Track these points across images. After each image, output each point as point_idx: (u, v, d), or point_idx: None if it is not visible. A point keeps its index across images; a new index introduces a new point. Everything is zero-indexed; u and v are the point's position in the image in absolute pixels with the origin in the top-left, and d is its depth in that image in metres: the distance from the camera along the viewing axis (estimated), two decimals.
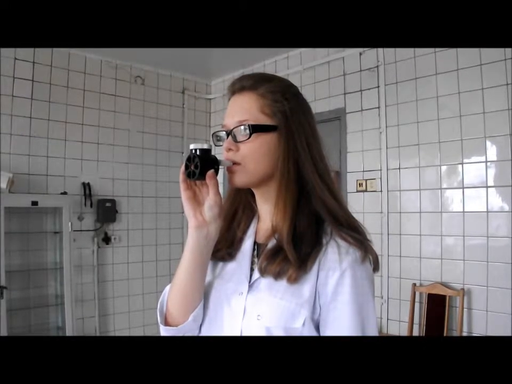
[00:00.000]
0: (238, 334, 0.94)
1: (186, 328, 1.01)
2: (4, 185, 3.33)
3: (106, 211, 4.17)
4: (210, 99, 5.11)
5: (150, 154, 4.58)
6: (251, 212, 1.09)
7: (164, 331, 1.03)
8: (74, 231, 3.76)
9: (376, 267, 0.96)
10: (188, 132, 4.86)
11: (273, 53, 4.25)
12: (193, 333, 1.03)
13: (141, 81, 4.53)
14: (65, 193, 3.86)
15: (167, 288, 1.06)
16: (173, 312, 1.02)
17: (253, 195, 1.08)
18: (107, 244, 4.23)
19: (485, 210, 3.01)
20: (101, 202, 4.15)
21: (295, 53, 4.20)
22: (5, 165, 3.54)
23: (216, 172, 0.97)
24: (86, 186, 4.07)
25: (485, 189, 3.01)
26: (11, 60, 3.66)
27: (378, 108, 3.60)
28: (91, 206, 4.11)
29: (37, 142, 3.81)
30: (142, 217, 4.51)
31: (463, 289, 3.05)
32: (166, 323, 1.02)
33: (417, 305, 3.31)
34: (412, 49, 3.38)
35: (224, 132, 1.01)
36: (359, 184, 3.70)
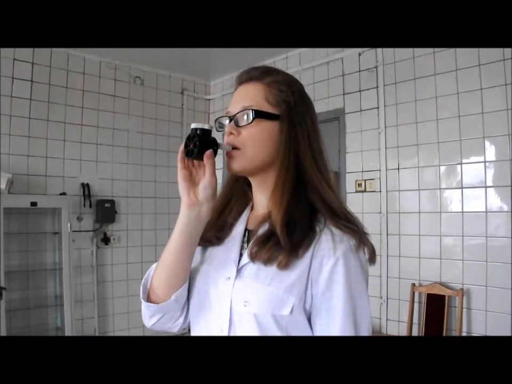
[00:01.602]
0: (227, 320, 0.94)
1: (167, 307, 1.01)
2: (3, 186, 3.33)
3: (106, 211, 4.16)
4: (209, 99, 5.11)
5: (149, 155, 4.58)
6: (245, 200, 1.10)
7: (145, 307, 1.03)
8: (73, 231, 3.75)
9: (372, 258, 0.96)
10: (187, 132, 4.83)
11: (272, 53, 4.26)
12: (174, 313, 1.04)
13: (140, 82, 4.53)
14: (64, 193, 3.86)
15: (154, 265, 1.06)
16: (157, 290, 1.01)
17: (248, 185, 1.08)
18: (106, 244, 4.23)
19: (484, 210, 3.01)
20: (100, 203, 4.15)
21: (294, 53, 4.21)
22: (4, 165, 3.53)
23: (215, 153, 0.97)
24: (85, 187, 4.07)
25: (483, 189, 3.02)
26: (10, 61, 3.65)
27: (377, 108, 3.60)
28: (90, 206, 4.11)
29: (36, 142, 3.81)
30: (141, 218, 4.51)
31: (462, 289, 3.05)
32: (148, 299, 1.02)
33: (416, 305, 3.31)
34: (410, 50, 3.38)
35: (227, 119, 1.02)
36: (358, 184, 3.70)
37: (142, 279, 1.04)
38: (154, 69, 4.62)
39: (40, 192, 3.78)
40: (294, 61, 4.22)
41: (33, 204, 3.48)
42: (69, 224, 3.67)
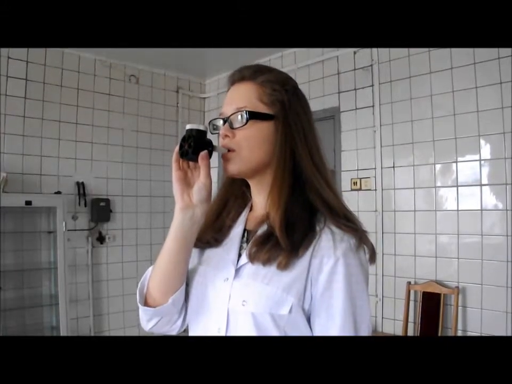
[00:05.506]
0: (225, 320, 0.93)
1: (164, 311, 1.00)
2: None
3: (101, 210, 4.15)
4: (204, 98, 5.10)
5: (144, 154, 4.57)
6: (243, 201, 1.09)
7: (142, 311, 1.02)
8: (68, 230, 3.73)
9: (372, 258, 0.95)
10: (182, 131, 4.83)
11: (267, 51, 4.25)
12: (172, 316, 1.03)
13: (135, 80, 4.52)
14: (59, 192, 3.84)
15: (150, 269, 1.05)
16: (153, 294, 1.00)
17: (247, 185, 1.07)
18: (101, 243, 4.22)
19: (479, 208, 3.02)
20: (95, 202, 4.14)
21: (290, 52, 4.20)
22: None
23: (210, 155, 0.96)
24: (80, 186, 4.05)
25: (479, 187, 3.03)
26: (4, 59, 3.63)
27: (373, 106, 3.60)
28: (85, 205, 4.09)
29: (31, 141, 3.80)
30: (136, 217, 4.50)
31: (457, 287, 3.06)
32: (145, 303, 1.02)
33: (412, 303, 3.32)
34: (406, 48, 3.38)
35: (222, 120, 1.00)
36: (354, 182, 3.71)
37: (137, 277, 1.04)
38: (150, 68, 4.60)
39: (35, 191, 3.77)
40: (289, 59, 4.21)
41: (28, 202, 3.46)
42: (63, 223, 3.65)
